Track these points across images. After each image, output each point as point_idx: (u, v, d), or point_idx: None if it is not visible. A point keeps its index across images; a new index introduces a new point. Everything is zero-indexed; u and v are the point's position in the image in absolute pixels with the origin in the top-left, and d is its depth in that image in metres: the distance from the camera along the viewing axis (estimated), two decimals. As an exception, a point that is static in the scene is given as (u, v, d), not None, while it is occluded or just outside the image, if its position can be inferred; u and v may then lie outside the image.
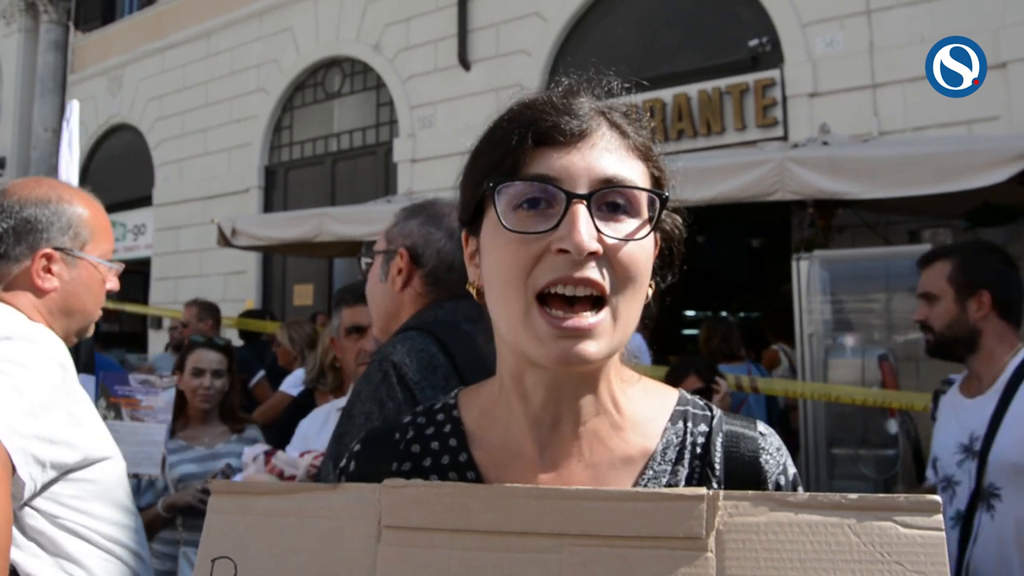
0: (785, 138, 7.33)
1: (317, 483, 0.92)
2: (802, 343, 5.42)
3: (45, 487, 1.54)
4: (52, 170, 14.80)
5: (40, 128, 14.87)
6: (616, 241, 0.90)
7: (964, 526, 2.42)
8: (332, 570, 0.87)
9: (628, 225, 0.92)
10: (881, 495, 0.79)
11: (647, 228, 0.93)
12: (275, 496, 0.92)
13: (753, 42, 7.83)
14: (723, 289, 11.23)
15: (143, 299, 13.41)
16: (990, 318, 2.54)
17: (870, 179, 5.11)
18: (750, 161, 5.57)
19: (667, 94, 8.17)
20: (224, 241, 8.56)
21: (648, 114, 1.05)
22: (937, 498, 0.78)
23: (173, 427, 3.67)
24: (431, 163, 9.54)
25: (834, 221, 6.24)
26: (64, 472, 1.57)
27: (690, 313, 11.20)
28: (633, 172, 0.95)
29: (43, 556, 1.56)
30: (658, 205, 0.94)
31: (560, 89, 1.00)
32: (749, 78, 7.80)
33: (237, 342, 8.03)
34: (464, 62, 9.72)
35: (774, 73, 7.67)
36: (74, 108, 3.17)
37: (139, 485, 3.49)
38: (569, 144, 0.92)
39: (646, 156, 0.98)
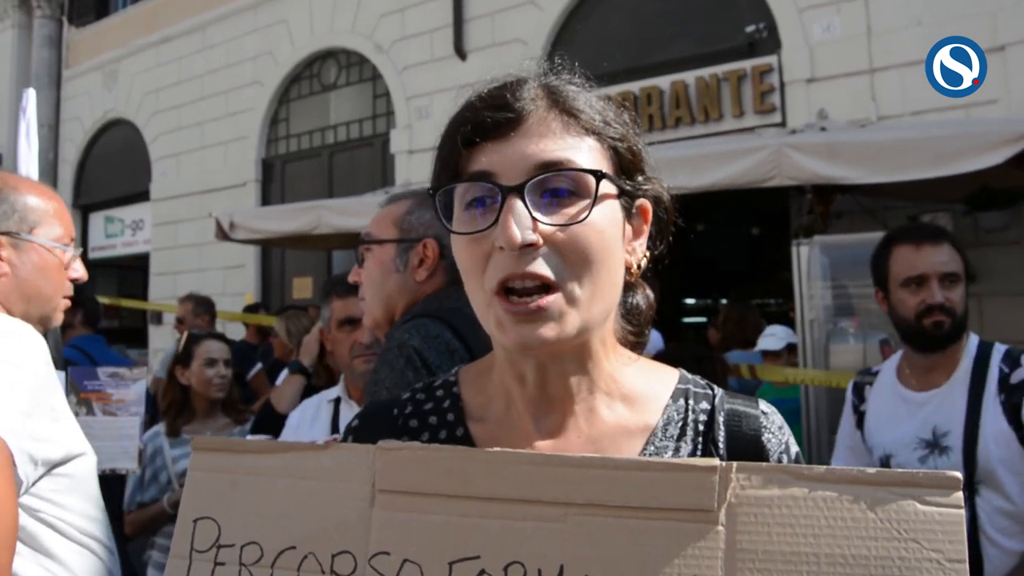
0: (783, 124, 7.31)
1: (306, 442, 0.89)
2: (803, 329, 5.42)
3: (32, 484, 1.54)
4: (49, 166, 14.76)
5: (35, 125, 14.79)
6: (553, 228, 0.89)
7: None
8: (324, 534, 0.83)
9: (575, 208, 0.90)
10: (899, 470, 0.76)
11: (591, 209, 0.90)
12: (262, 455, 0.87)
13: (750, 28, 7.79)
14: (723, 276, 11.23)
15: (142, 294, 13.38)
16: None
17: (868, 164, 5.09)
18: (748, 147, 5.55)
19: (664, 81, 8.14)
20: (222, 235, 8.52)
21: (623, 103, 1.04)
22: (957, 474, 0.75)
23: (177, 423, 3.67)
24: (428, 154, 9.40)
25: (832, 207, 6.22)
26: (49, 468, 1.56)
27: (690, 301, 11.19)
28: (576, 151, 0.92)
29: (22, 550, 1.54)
30: (598, 181, 0.91)
31: (504, 78, 0.98)
32: (746, 64, 7.76)
33: (236, 337, 8.02)
34: (460, 52, 9.68)
35: (771, 59, 7.64)
36: (29, 97, 3.08)
37: (142, 480, 3.49)
38: (501, 135, 0.91)
39: (598, 131, 0.95)
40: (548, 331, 0.89)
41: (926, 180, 4.99)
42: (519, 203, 0.88)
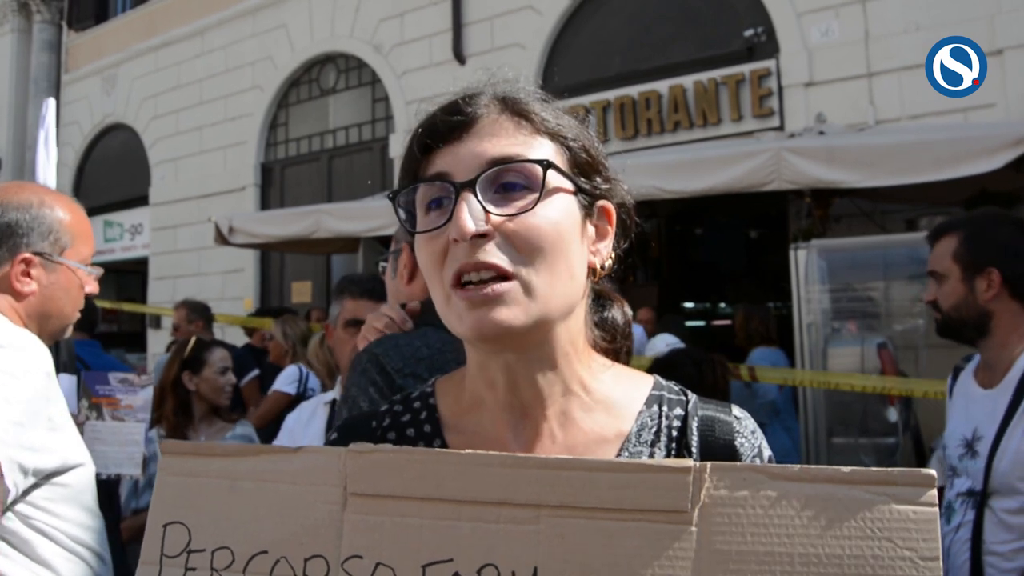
0: (781, 128, 7.32)
1: (277, 445, 0.88)
2: (801, 332, 5.42)
3: (25, 492, 1.56)
4: (48, 171, 14.75)
5: (35, 129, 14.82)
6: (503, 217, 0.91)
7: (950, 514, 2.35)
8: (295, 538, 0.82)
9: (526, 201, 0.93)
10: (875, 468, 0.75)
11: (544, 201, 0.93)
12: (231, 458, 0.87)
13: (748, 32, 7.80)
14: (722, 280, 11.22)
15: (141, 299, 13.40)
16: (1002, 298, 2.30)
17: (866, 168, 5.09)
18: (746, 151, 5.56)
19: (663, 86, 8.15)
20: (221, 239, 8.52)
21: (589, 114, 1.07)
22: (932, 472, 0.75)
23: (180, 429, 3.67)
24: (427, 158, 9.46)
25: (831, 210, 6.23)
26: (42, 477, 1.58)
27: (689, 305, 11.18)
28: (529, 148, 0.95)
29: (13, 555, 1.57)
30: (543, 172, 0.93)
31: (460, 90, 1.02)
32: (745, 68, 7.77)
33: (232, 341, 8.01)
34: (459, 56, 9.70)
35: (770, 63, 7.65)
36: (49, 106, 3.09)
37: (136, 486, 3.48)
38: (455, 138, 0.95)
39: (555, 132, 0.98)
40: (502, 314, 0.90)
41: (924, 184, 4.99)
42: (471, 197, 0.91)
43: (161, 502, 0.87)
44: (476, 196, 0.91)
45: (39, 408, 1.57)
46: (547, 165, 0.94)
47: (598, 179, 1.02)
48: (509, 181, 0.93)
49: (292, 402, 5.31)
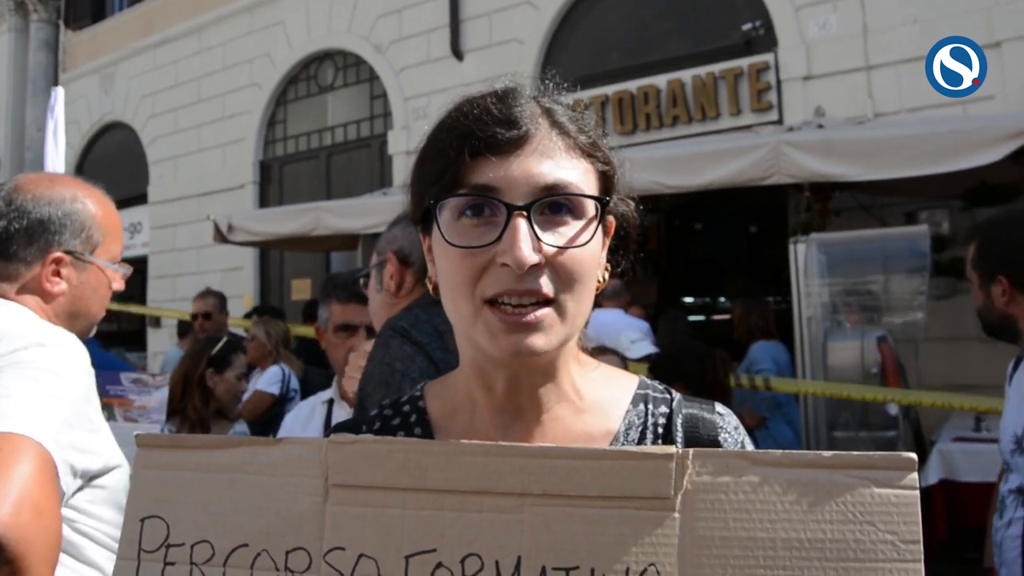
0: (780, 122, 7.31)
1: (255, 437, 0.87)
2: (801, 326, 5.41)
3: (71, 495, 1.53)
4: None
5: (33, 128, 14.81)
6: (557, 249, 0.91)
7: (1002, 509, 2.36)
8: (276, 531, 0.81)
9: (571, 228, 0.94)
10: (856, 453, 0.76)
11: (589, 232, 0.94)
12: (209, 450, 0.86)
13: (746, 26, 7.79)
14: (721, 274, 11.22)
15: (141, 297, 13.38)
16: (1018, 302, 2.31)
17: (866, 161, 5.09)
18: (745, 146, 5.55)
19: (661, 80, 8.14)
20: (220, 237, 8.53)
21: (588, 109, 1.05)
22: (912, 456, 0.76)
23: (194, 428, 3.66)
24: (426, 155, 9.45)
25: (830, 204, 6.23)
26: (87, 480, 1.56)
27: (688, 299, 11.18)
28: (575, 173, 0.95)
29: (64, 560, 1.53)
30: (600, 208, 0.95)
31: (501, 91, 0.99)
32: (743, 62, 7.76)
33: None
34: (457, 52, 9.68)
35: (768, 57, 7.64)
36: (58, 95, 3.06)
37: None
38: (508, 152, 0.93)
39: (591, 153, 0.99)
40: (538, 340, 0.91)
41: (924, 177, 4.99)
42: (525, 223, 0.90)
43: (138, 496, 0.86)
44: (530, 222, 0.90)
45: (82, 408, 1.54)
46: (605, 202, 0.95)
47: (615, 198, 1.03)
48: (558, 204, 0.93)
49: (275, 403, 5.34)
